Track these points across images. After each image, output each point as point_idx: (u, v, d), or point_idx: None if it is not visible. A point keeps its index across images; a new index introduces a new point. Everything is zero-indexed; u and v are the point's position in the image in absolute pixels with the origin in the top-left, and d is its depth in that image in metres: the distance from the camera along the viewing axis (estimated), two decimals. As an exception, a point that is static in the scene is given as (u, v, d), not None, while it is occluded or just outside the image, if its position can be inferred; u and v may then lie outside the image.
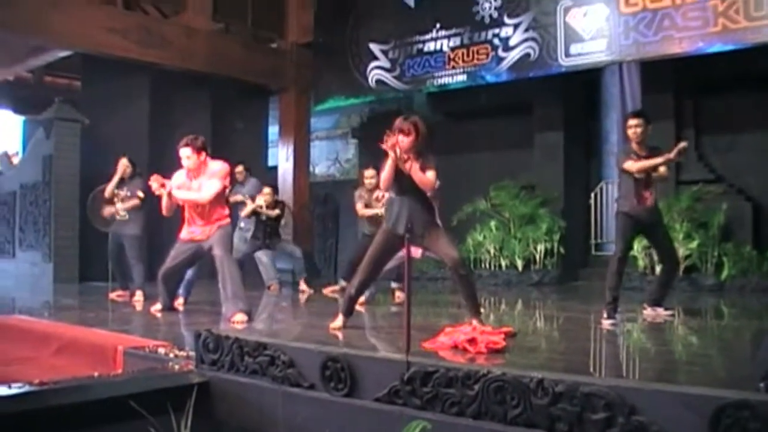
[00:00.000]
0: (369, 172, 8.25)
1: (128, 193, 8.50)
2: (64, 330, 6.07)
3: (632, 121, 6.20)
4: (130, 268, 8.59)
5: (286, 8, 13.56)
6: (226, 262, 6.45)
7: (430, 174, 5.04)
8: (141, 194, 8.39)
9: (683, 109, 11.05)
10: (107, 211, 8.60)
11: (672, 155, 5.96)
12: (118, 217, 8.51)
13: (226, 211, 6.72)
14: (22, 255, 12.00)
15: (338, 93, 13.10)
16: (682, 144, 6.04)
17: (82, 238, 11.10)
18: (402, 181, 5.10)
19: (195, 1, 12.08)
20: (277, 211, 9.85)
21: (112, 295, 8.58)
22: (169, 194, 6.48)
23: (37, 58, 12.53)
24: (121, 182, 8.56)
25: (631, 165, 6.07)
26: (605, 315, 5.94)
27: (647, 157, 6.08)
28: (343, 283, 8.36)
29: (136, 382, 4.31)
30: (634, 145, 6.16)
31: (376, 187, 7.96)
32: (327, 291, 9.15)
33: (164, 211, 6.63)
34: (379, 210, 7.95)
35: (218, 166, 6.52)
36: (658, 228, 6.42)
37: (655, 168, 6.10)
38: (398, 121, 5.12)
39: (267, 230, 9.85)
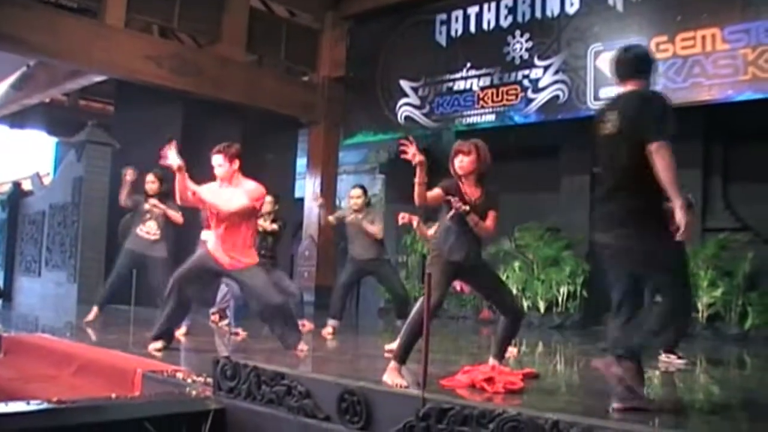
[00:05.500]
0: (355, 192, 8.14)
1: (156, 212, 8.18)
2: (84, 350, 6.12)
3: None
4: (114, 290, 8.35)
5: (319, 43, 13.74)
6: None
7: (491, 219, 4.95)
8: (180, 215, 8.10)
9: (711, 157, 10.99)
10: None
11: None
12: (143, 235, 8.23)
13: (253, 252, 6.37)
14: (48, 274, 12.13)
15: (367, 128, 13.20)
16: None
17: (107, 261, 11.18)
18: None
19: (230, 32, 12.27)
20: (274, 226, 8.17)
21: (89, 318, 8.28)
22: (180, 169, 5.97)
23: (74, 81, 12.76)
24: (147, 198, 8.23)
25: None
26: None
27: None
28: (332, 322, 8.08)
29: (153, 406, 4.33)
30: None
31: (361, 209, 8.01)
32: (325, 333, 8.04)
33: (178, 196, 6.19)
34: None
35: (252, 186, 6.25)
36: None
37: None
38: (458, 143, 5.01)
39: (260, 251, 7.30)
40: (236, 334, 7.59)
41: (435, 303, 4.60)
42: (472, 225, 4.80)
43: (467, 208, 4.74)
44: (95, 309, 8.38)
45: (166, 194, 8.09)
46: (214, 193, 6.19)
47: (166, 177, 7.78)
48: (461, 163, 4.90)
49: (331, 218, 8.40)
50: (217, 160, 6.17)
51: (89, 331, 7.81)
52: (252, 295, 6.31)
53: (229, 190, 6.19)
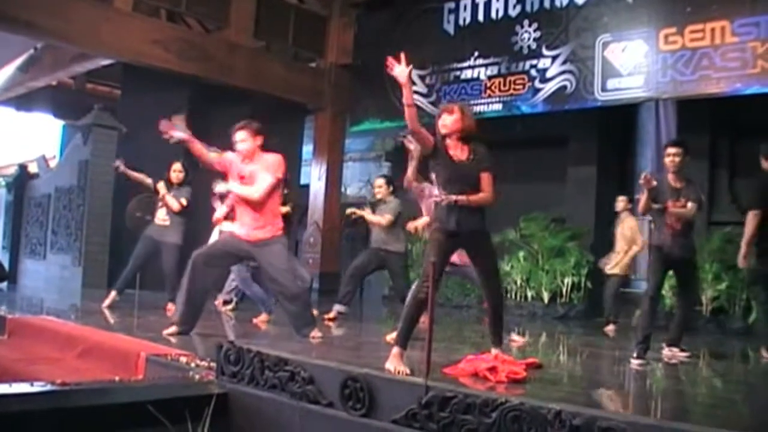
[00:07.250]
0: (377, 182, 8.11)
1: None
2: (89, 333, 6.14)
3: (671, 150, 6.16)
4: (134, 274, 8.42)
5: (327, 29, 13.70)
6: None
7: (485, 183, 4.75)
8: (184, 202, 8.20)
9: (718, 150, 10.96)
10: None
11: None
12: (157, 222, 8.31)
13: (280, 220, 6.34)
14: (53, 257, 12.15)
15: (374, 116, 13.17)
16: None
17: (113, 245, 11.22)
18: (452, 176, 4.75)
19: (238, 17, 12.23)
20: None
21: (106, 303, 8.28)
22: (186, 141, 6.15)
23: (81, 64, 12.73)
24: (170, 187, 8.33)
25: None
26: (635, 354, 5.80)
27: (680, 189, 6.07)
28: (339, 307, 8.01)
29: (156, 389, 4.34)
30: (669, 176, 6.11)
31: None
32: (327, 319, 7.90)
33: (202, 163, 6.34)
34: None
35: (273, 158, 6.24)
36: (689, 267, 6.33)
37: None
38: (441, 105, 4.94)
39: None
40: (263, 318, 7.67)
41: (431, 275, 4.42)
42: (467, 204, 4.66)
43: (454, 198, 4.60)
44: (113, 294, 8.37)
45: (189, 183, 8.39)
46: (239, 176, 6.17)
47: (192, 167, 8.11)
48: (444, 121, 4.84)
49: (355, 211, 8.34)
50: (240, 136, 6.17)
51: (94, 313, 7.82)
52: (269, 276, 6.24)
53: (251, 167, 6.18)
